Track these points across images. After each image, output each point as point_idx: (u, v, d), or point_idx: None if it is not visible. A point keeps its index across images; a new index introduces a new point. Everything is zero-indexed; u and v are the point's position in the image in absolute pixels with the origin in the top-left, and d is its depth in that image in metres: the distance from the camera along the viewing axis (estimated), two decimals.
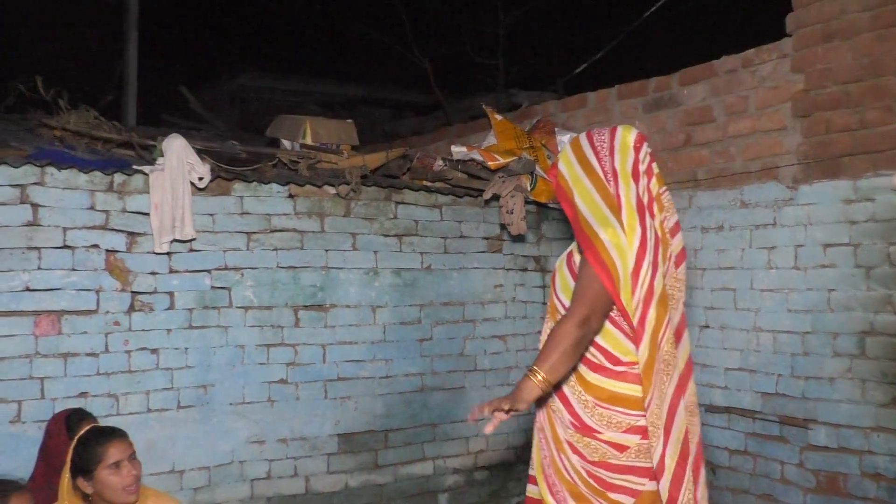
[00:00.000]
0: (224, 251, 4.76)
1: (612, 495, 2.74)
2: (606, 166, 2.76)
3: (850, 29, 4.19)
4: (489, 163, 5.40)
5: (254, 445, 4.81)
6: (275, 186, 4.92)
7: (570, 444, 2.79)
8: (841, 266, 4.26)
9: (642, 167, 2.77)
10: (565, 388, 2.78)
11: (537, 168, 5.42)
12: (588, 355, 2.73)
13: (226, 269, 4.76)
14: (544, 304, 5.94)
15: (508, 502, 5.65)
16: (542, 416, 2.92)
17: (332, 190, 5.07)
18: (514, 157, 5.41)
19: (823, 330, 4.33)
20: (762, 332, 4.60)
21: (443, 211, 5.55)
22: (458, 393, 5.53)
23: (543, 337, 2.95)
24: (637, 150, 2.79)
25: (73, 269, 4.34)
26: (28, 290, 4.22)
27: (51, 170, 4.29)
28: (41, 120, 4.88)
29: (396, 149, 5.71)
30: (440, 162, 5.48)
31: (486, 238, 5.73)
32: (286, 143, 5.33)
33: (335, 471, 5.07)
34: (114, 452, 2.98)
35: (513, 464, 5.75)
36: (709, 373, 4.87)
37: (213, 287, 4.72)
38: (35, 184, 4.26)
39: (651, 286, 2.66)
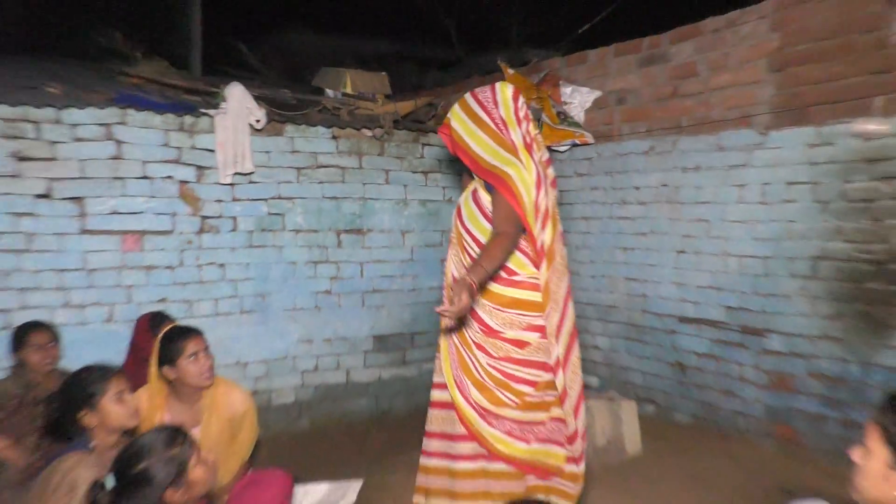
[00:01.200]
0: (278, 183, 4.82)
1: (515, 385, 2.84)
2: (496, 117, 2.85)
3: None
4: None
5: (304, 344, 4.95)
6: (320, 129, 4.95)
7: (478, 344, 2.86)
8: (801, 201, 4.26)
9: (521, 114, 2.88)
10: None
11: (543, 115, 5.40)
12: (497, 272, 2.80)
13: (279, 198, 4.83)
14: None
15: None
16: (451, 324, 2.93)
17: (368, 132, 5.10)
18: None
19: (783, 255, 4.35)
20: (730, 256, 4.63)
21: None
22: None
23: (450, 262, 3.06)
24: (515, 100, 2.89)
25: (152, 197, 4.42)
26: (115, 213, 4.32)
27: (131, 111, 4.33)
28: (120, 69, 4.90)
29: (423, 98, 5.70)
30: None
31: None
32: (329, 92, 5.34)
33: (370, 365, 5.21)
34: (191, 346, 3.09)
35: None
36: (683, 290, 4.92)
37: (269, 213, 4.80)
38: (118, 123, 4.31)
39: (546, 210, 2.82)
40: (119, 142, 4.32)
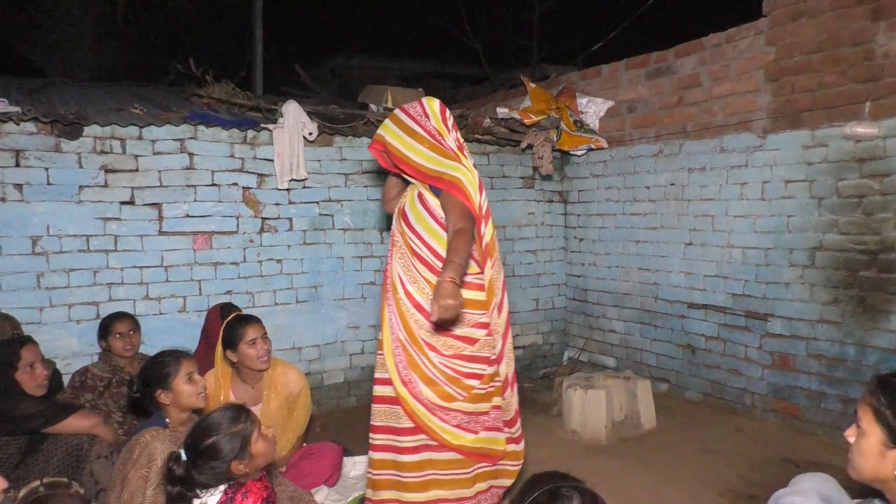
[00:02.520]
0: (328, 188, 4.77)
1: (465, 380, 2.64)
2: (430, 128, 2.70)
3: (815, 10, 3.96)
4: (525, 120, 5.28)
5: (351, 329, 4.90)
6: (365, 139, 4.88)
7: (428, 344, 2.63)
8: (798, 197, 4.12)
9: (450, 123, 2.74)
10: (421, 300, 2.62)
11: (561, 124, 5.29)
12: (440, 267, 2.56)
13: (329, 201, 4.78)
14: (565, 227, 5.87)
15: (537, 373, 5.70)
16: (397, 326, 2.69)
17: None
18: (544, 116, 5.28)
19: (782, 246, 4.21)
20: (734, 248, 4.50)
21: (490, 157, 5.47)
22: None
23: (394, 263, 2.74)
24: (443, 112, 2.75)
25: (220, 202, 4.40)
26: (188, 216, 4.30)
27: (202, 128, 4.32)
28: (193, 91, 4.91)
29: (456, 110, 5.61)
30: (488, 120, 5.39)
31: (522, 178, 5.65)
32: (373, 107, 5.28)
33: None
34: (250, 332, 3.07)
35: (540, 345, 5.78)
36: (691, 279, 4.79)
37: (320, 214, 4.75)
38: (191, 138, 4.30)
39: (487, 210, 2.69)
40: (191, 154, 4.31)
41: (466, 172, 2.63)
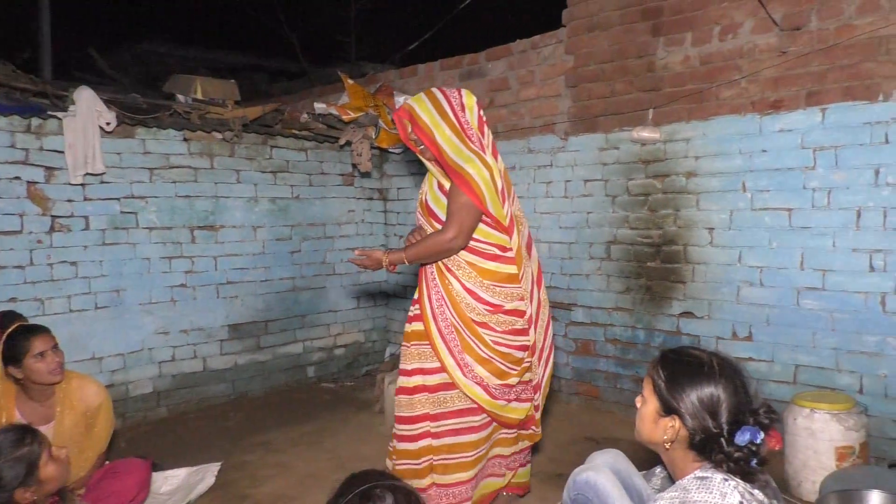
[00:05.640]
0: (131, 183, 4.42)
1: (517, 354, 2.75)
2: (462, 119, 2.71)
3: (606, 23, 4.32)
4: (343, 116, 5.26)
5: (160, 335, 4.58)
6: (172, 131, 4.59)
7: (480, 323, 2.71)
8: (596, 195, 4.48)
9: (483, 121, 2.81)
10: (467, 283, 2.71)
11: (379, 121, 5.33)
12: (482, 249, 2.70)
13: (132, 197, 4.43)
14: (385, 224, 5.94)
15: (359, 371, 5.71)
16: (449, 312, 2.75)
17: (219, 135, 4.80)
18: (363, 113, 5.30)
19: (583, 241, 4.55)
20: (541, 242, 4.78)
21: (308, 153, 5.38)
22: (320, 291, 5.47)
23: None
24: (480, 110, 2.81)
25: None
26: None
27: None
28: None
29: (271, 104, 5.45)
30: (306, 115, 5.29)
31: (341, 175, 5.62)
32: (180, 98, 4.96)
33: (226, 353, 4.92)
34: (38, 344, 2.75)
35: (362, 343, 5.79)
36: None
37: (122, 212, 4.39)
38: None
39: (512, 219, 2.73)
40: None
41: (479, 166, 2.61)
